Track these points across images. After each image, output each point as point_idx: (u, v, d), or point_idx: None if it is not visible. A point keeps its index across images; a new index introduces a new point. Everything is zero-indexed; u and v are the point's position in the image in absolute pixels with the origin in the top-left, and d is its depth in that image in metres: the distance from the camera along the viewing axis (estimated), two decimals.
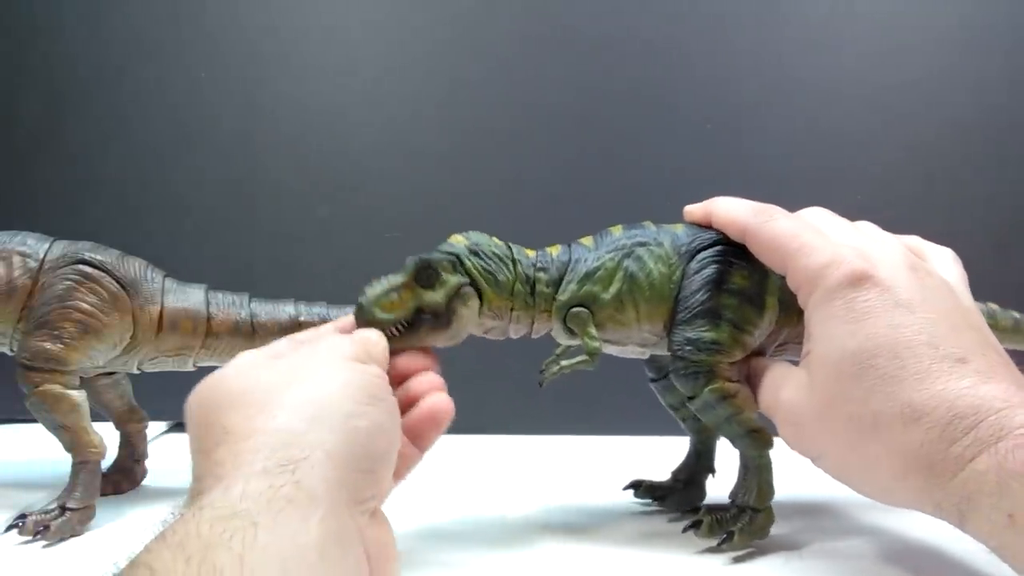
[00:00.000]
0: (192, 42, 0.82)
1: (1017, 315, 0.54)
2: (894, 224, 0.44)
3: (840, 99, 0.78)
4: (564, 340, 0.47)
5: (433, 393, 0.40)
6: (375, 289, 0.42)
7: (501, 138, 0.81)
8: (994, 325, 0.51)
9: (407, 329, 0.42)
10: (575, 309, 0.45)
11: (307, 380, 0.34)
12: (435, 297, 0.42)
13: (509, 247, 0.45)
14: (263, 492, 0.27)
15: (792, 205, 0.45)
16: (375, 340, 0.40)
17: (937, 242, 0.45)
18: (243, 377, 0.35)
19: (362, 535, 0.31)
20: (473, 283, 0.43)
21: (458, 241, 0.44)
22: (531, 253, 0.46)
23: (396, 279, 0.42)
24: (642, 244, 0.45)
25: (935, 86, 0.77)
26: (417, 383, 0.41)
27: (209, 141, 0.82)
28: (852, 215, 0.44)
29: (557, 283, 0.45)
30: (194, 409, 0.35)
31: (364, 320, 0.41)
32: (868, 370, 0.36)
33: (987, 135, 0.77)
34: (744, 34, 0.79)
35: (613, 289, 0.44)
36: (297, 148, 0.82)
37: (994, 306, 0.53)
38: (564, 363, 0.45)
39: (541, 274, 0.45)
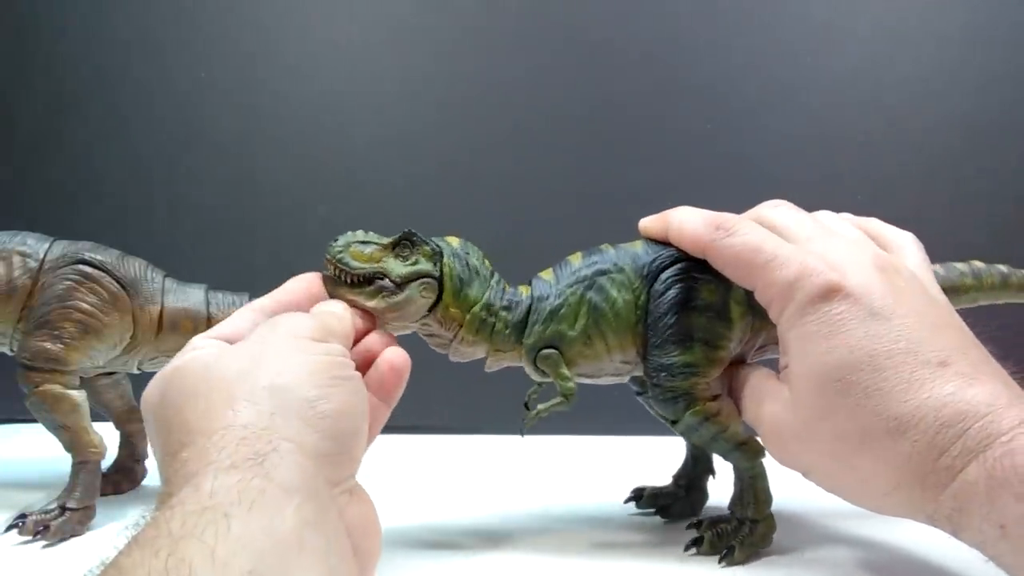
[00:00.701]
0: (192, 42, 0.82)
1: (1004, 269, 0.51)
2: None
3: (840, 99, 0.78)
4: (537, 379, 0.46)
5: (387, 348, 0.40)
6: (356, 235, 0.42)
7: (501, 139, 0.81)
8: (979, 285, 0.50)
9: (358, 284, 0.41)
10: (544, 351, 0.44)
11: (266, 367, 0.33)
12: (399, 269, 0.42)
13: (493, 273, 0.45)
14: (233, 486, 0.27)
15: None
16: (340, 315, 0.39)
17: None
18: (202, 370, 0.33)
19: (343, 515, 0.31)
20: (441, 281, 0.42)
21: (452, 241, 0.44)
22: (509, 289, 0.45)
23: (379, 238, 0.42)
24: (603, 273, 0.44)
25: (935, 86, 0.77)
26: (369, 342, 0.40)
27: (209, 141, 0.82)
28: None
29: (518, 326, 0.44)
30: (153, 410, 0.34)
31: (328, 256, 0.41)
32: (850, 386, 0.35)
33: (988, 134, 0.77)
34: (744, 34, 0.79)
35: (579, 325, 0.43)
36: (297, 148, 0.82)
37: (979, 264, 0.51)
38: (541, 407, 0.44)
39: (504, 313, 0.44)
